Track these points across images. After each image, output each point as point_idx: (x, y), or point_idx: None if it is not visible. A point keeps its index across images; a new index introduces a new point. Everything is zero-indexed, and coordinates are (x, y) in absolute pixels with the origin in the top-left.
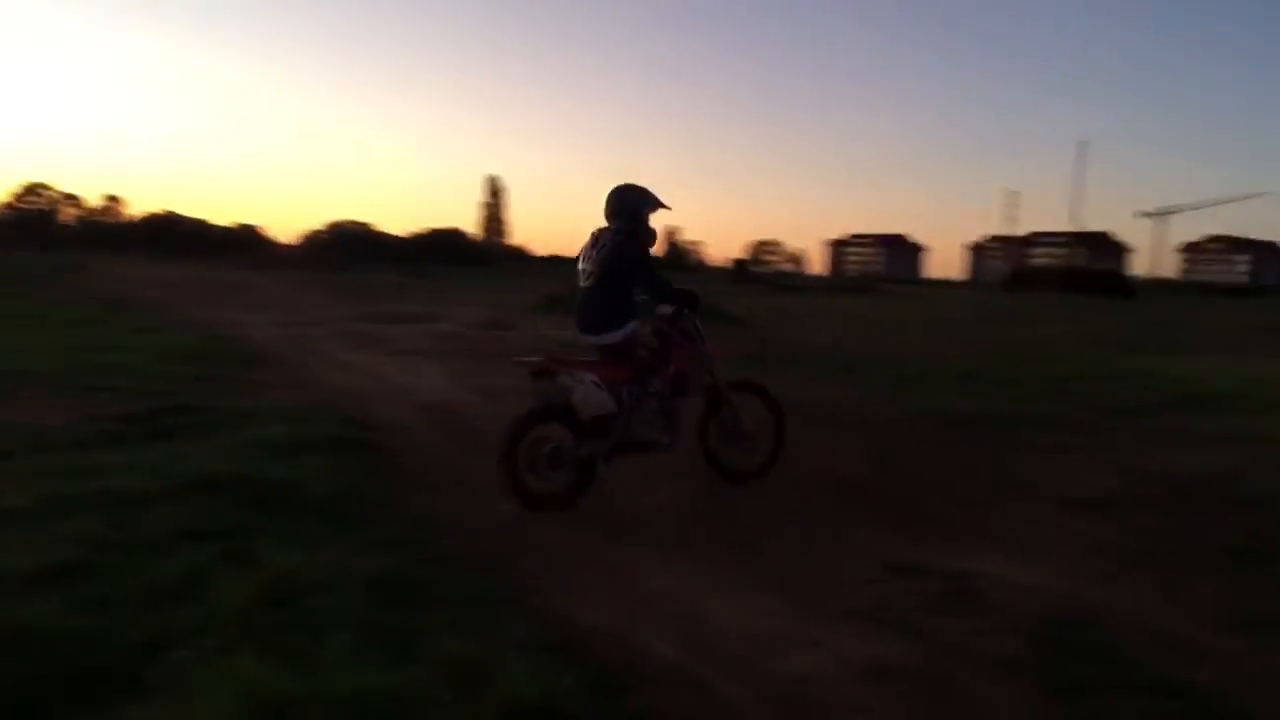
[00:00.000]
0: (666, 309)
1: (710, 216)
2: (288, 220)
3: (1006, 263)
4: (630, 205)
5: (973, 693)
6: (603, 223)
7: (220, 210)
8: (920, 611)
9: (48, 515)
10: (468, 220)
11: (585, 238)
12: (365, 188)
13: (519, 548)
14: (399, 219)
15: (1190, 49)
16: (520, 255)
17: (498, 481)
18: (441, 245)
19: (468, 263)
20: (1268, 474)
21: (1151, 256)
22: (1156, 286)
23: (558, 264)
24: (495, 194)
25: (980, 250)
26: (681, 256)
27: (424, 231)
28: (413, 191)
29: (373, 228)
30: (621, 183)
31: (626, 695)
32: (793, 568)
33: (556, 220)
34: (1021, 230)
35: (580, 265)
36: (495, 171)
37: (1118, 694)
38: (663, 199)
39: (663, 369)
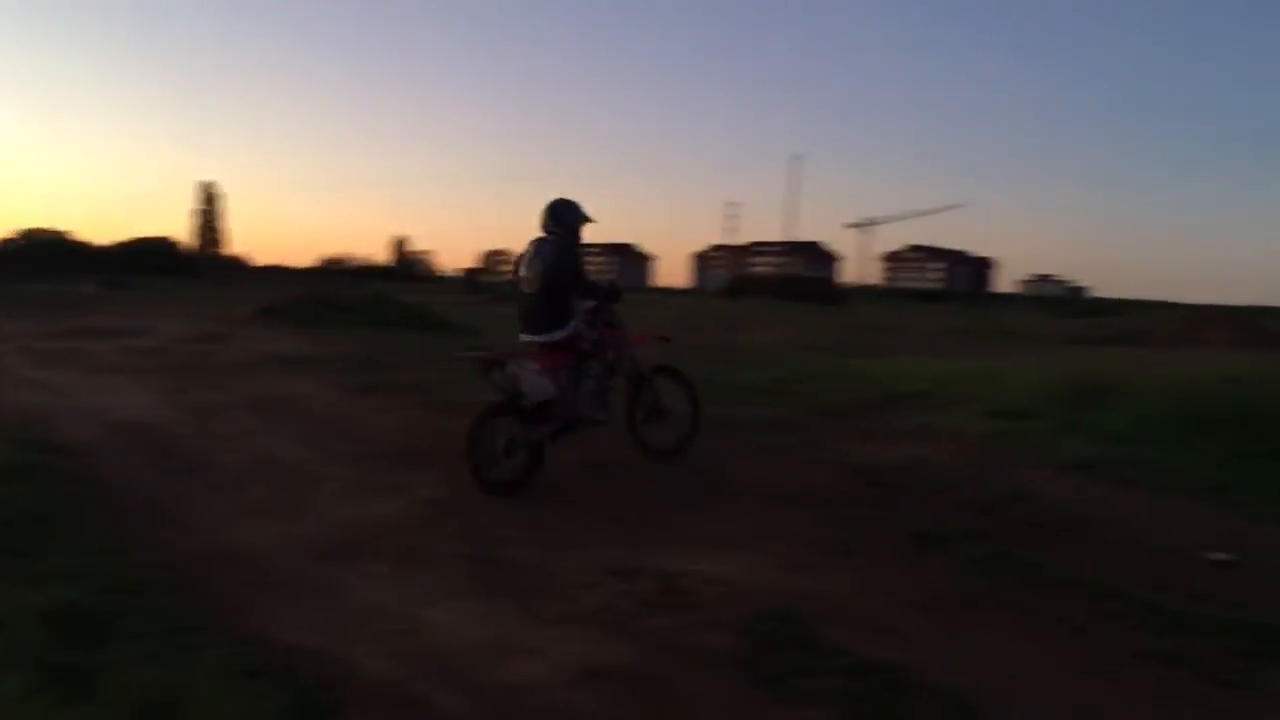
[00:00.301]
0: (589, 303)
1: (441, 225)
2: None
3: (728, 271)
4: (567, 218)
5: (681, 688)
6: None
7: None
8: (636, 612)
9: None
10: (180, 229)
11: (307, 246)
12: (66, 195)
13: (219, 570)
14: (102, 228)
15: (895, 70)
16: (238, 265)
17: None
18: (149, 254)
19: (179, 273)
20: (953, 464)
21: (858, 265)
22: (862, 293)
23: (278, 274)
24: (210, 201)
25: (704, 259)
26: (411, 266)
27: (129, 240)
28: (120, 200)
29: (71, 236)
30: (557, 197)
31: (335, 716)
32: (518, 575)
33: (277, 229)
34: (742, 240)
35: (521, 273)
36: (210, 178)
37: (817, 678)
38: (588, 212)
39: (601, 355)
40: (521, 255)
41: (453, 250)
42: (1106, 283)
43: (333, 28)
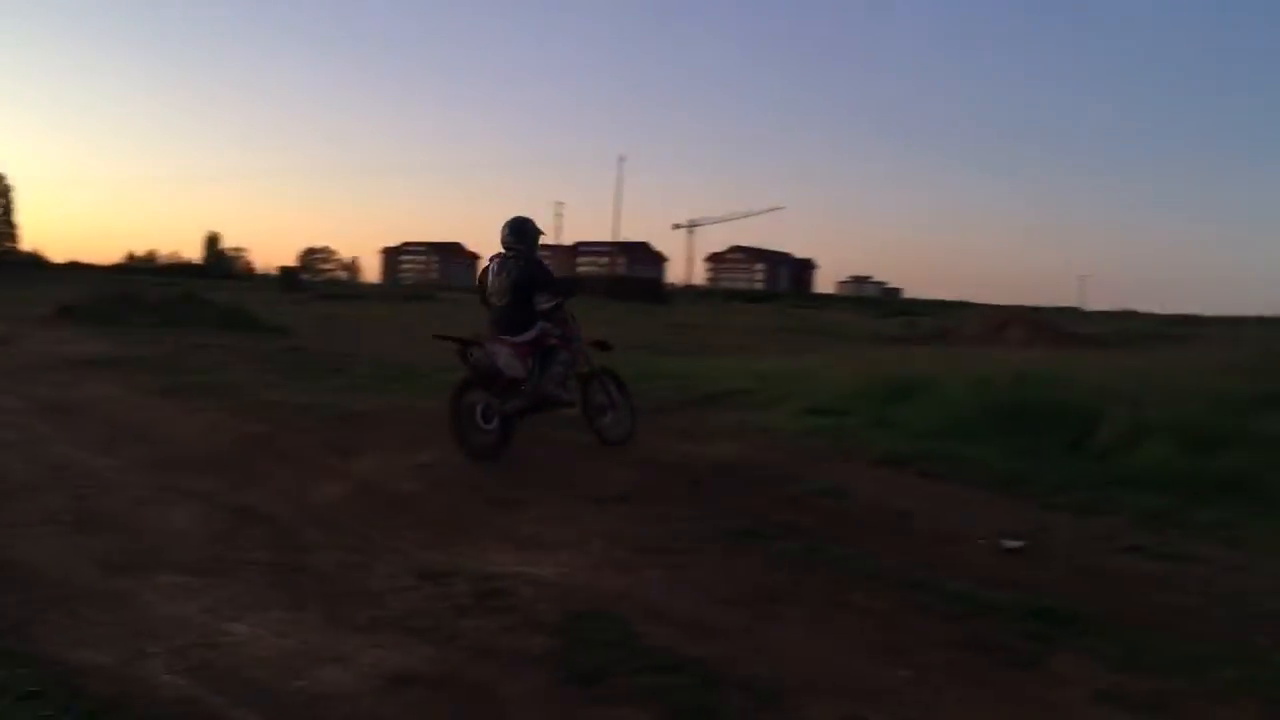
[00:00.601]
0: (547, 303)
1: (258, 222)
2: None
3: (555, 270)
4: (530, 235)
5: (494, 690)
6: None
7: None
8: (449, 616)
9: None
10: None
11: (112, 243)
12: None
13: (1, 586)
14: None
15: (718, 73)
16: (34, 262)
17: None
18: None
19: None
20: (770, 460)
21: (684, 265)
22: (688, 293)
23: (79, 272)
24: (1, 195)
25: None
26: (224, 264)
27: None
28: None
29: None
30: (517, 215)
31: None
32: (327, 583)
33: (78, 225)
34: (570, 240)
35: (491, 285)
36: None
37: (631, 675)
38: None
39: (566, 346)
40: (485, 270)
41: (270, 248)
42: (919, 284)
43: (142, 11)
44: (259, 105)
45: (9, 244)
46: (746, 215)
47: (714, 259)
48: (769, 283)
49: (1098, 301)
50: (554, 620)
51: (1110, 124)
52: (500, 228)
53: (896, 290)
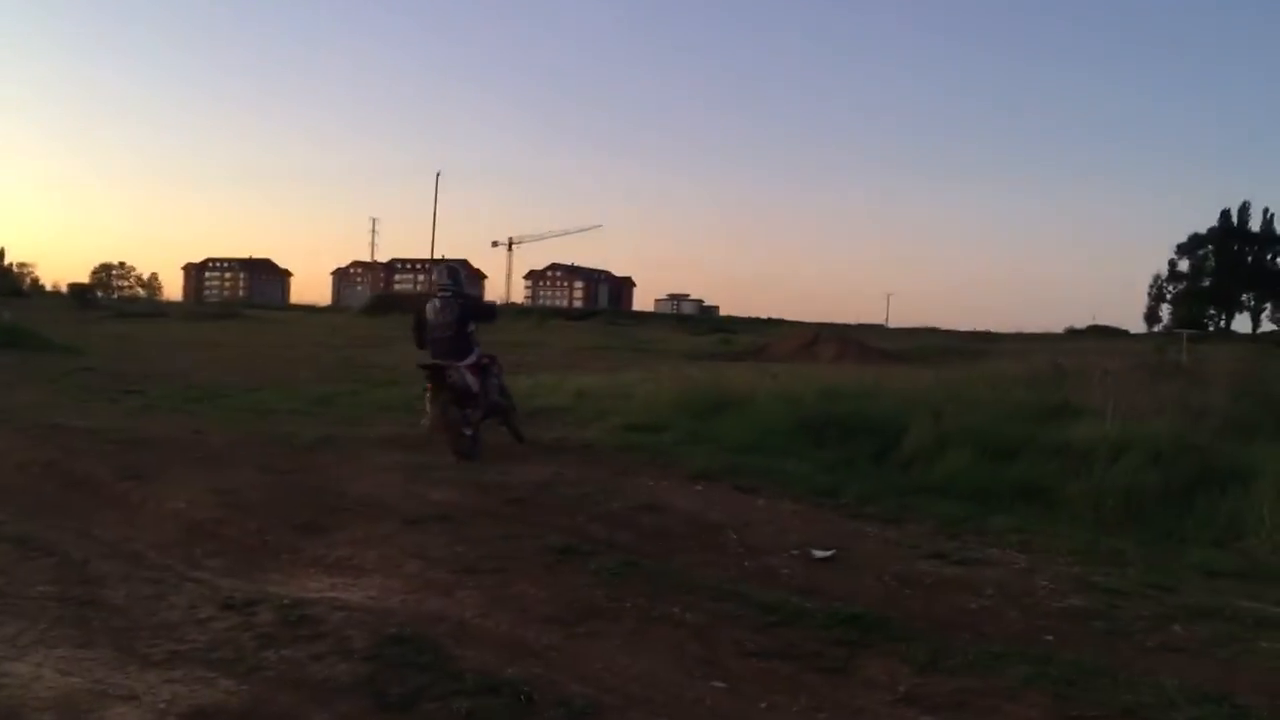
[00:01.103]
0: (474, 329)
1: (48, 235)
2: None
3: (370, 288)
4: (461, 278)
5: None
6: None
7: None
8: (252, 646)
9: None
10: None
11: None
12: None
13: None
14: None
15: (533, 89)
16: None
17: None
18: None
19: None
20: (588, 477)
21: (504, 282)
22: (507, 310)
23: None
24: None
25: (345, 275)
26: (10, 280)
27: None
28: None
29: None
30: (449, 262)
31: None
32: (119, 616)
33: None
34: (385, 257)
35: (435, 320)
36: None
37: (447, 699)
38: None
39: (496, 365)
40: (425, 308)
41: (60, 263)
42: (735, 302)
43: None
44: (53, 106)
45: None
46: (565, 233)
47: (533, 276)
48: (588, 300)
49: (901, 319)
50: (365, 646)
51: (916, 144)
52: (435, 272)
53: (713, 308)
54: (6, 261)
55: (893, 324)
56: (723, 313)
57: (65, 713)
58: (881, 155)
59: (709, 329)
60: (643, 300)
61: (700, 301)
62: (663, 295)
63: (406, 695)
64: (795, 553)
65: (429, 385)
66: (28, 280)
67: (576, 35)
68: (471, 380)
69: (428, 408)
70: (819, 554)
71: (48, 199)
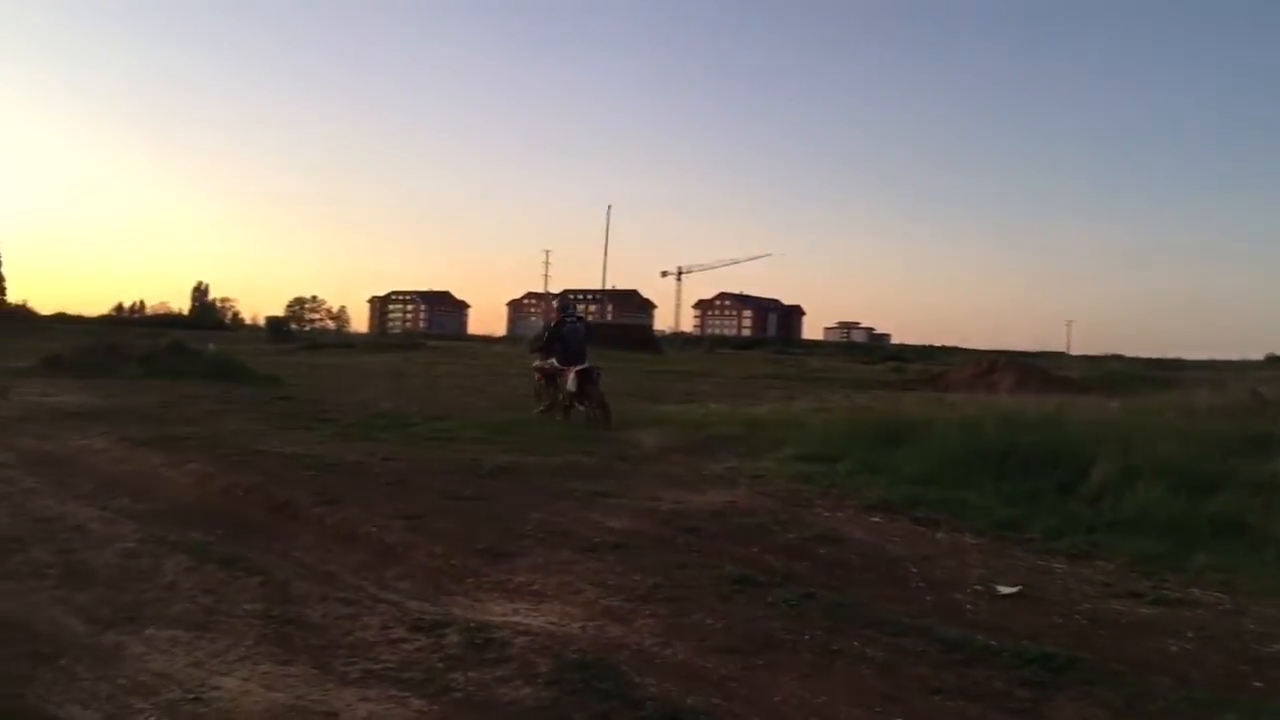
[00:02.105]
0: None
1: (245, 272)
2: None
3: (543, 318)
4: (572, 308)
5: None
6: None
7: None
8: (442, 667)
9: None
10: None
11: (99, 295)
12: None
13: None
14: None
15: (714, 122)
16: (21, 314)
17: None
18: None
19: None
20: (763, 507)
21: (673, 312)
22: (676, 339)
23: (66, 323)
24: None
25: (519, 306)
26: (211, 314)
27: None
28: None
29: None
30: (568, 294)
31: None
32: (318, 634)
33: (65, 276)
34: (555, 288)
35: (574, 336)
36: None
37: None
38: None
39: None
40: (558, 326)
41: (257, 298)
42: (906, 329)
43: (127, 61)
44: (247, 156)
45: None
46: (734, 262)
47: (702, 305)
48: (757, 329)
49: (1083, 346)
50: (548, 671)
51: (1094, 171)
52: (561, 299)
53: (884, 336)
54: (210, 297)
55: (1074, 351)
56: (894, 340)
57: None
58: (1056, 177)
59: (881, 357)
60: (812, 328)
61: (871, 329)
62: (832, 323)
63: None
64: (979, 588)
65: (560, 377)
66: (229, 314)
67: (745, 67)
68: (573, 378)
69: (549, 395)
70: (1004, 590)
71: (247, 238)
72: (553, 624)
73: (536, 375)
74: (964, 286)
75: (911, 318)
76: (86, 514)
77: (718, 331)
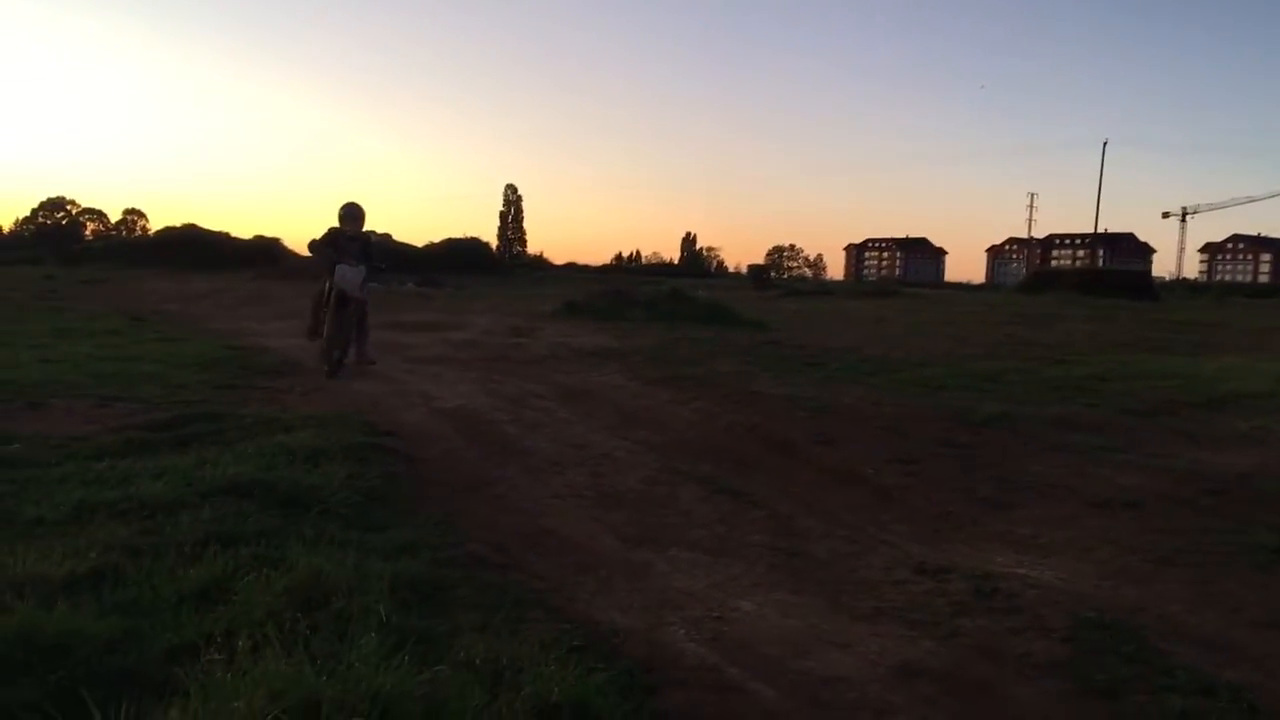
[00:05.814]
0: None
1: (728, 222)
2: (306, 232)
3: (1025, 265)
4: (363, 215)
5: (1004, 692)
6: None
7: (240, 223)
8: (948, 612)
9: (78, 522)
10: (487, 230)
11: (600, 245)
12: (385, 199)
13: (540, 550)
14: (418, 230)
15: (1204, 46)
16: (538, 263)
17: None
18: (460, 255)
19: (487, 272)
20: None
21: (1175, 258)
22: (1178, 286)
23: (575, 272)
24: (512, 203)
25: (999, 253)
26: (700, 263)
27: (442, 241)
28: (433, 203)
29: (392, 238)
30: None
31: (656, 695)
32: (823, 569)
33: (572, 229)
34: (1040, 233)
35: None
36: (513, 181)
37: (1154, 694)
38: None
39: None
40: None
41: (739, 247)
42: None
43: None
44: (729, 114)
45: (519, 248)
46: (1250, 200)
47: (1210, 249)
48: (1276, 275)
49: None
50: (1062, 627)
51: None
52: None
53: None
54: (697, 246)
55: None
56: None
57: (789, 650)
58: None
59: None
60: None
61: None
62: None
63: (1111, 683)
64: None
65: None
66: (714, 263)
67: None
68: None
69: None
70: None
71: (731, 191)
72: (1062, 579)
73: None
74: None
75: None
76: (612, 444)
77: (1229, 278)
